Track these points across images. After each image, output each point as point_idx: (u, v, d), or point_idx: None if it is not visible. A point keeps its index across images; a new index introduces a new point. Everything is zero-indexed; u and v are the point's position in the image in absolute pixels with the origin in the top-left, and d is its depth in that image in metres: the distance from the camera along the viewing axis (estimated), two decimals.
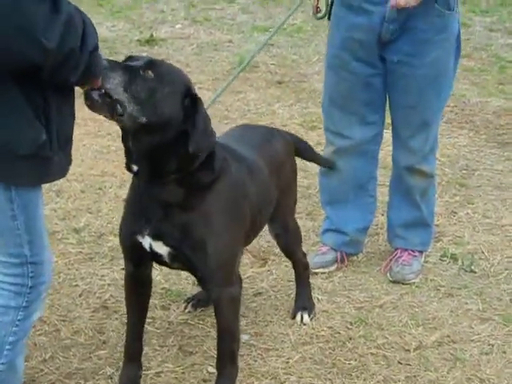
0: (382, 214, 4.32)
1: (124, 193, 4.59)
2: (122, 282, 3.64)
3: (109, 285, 3.73)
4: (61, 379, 3.07)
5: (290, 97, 6.46)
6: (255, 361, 3.19)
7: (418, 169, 3.80)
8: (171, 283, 3.74)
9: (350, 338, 3.40)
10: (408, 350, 3.34)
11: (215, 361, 2.98)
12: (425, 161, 3.80)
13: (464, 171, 5.23)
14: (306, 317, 3.52)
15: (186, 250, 2.76)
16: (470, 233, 4.38)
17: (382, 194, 4.36)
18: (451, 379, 3.17)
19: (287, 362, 3.23)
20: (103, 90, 2.44)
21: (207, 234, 2.75)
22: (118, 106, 2.49)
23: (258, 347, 3.20)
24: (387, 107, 3.82)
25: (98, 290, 3.69)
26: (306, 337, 3.41)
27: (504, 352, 3.35)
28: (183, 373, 3.10)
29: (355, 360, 3.27)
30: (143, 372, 3.12)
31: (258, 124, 3.61)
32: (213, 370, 3.15)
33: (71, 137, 2.41)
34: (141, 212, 2.76)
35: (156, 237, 2.76)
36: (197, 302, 3.53)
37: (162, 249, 2.79)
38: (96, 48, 2.26)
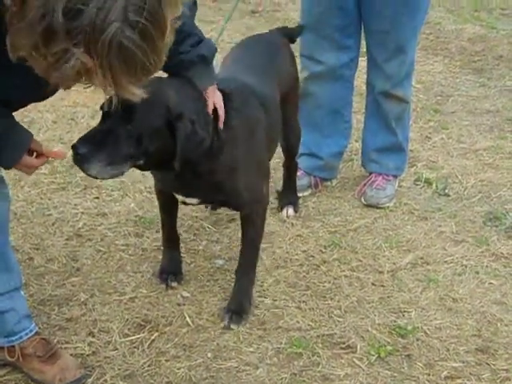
0: (357, 141, 4.32)
1: (96, 123, 4.53)
2: (96, 210, 3.70)
3: (82, 213, 3.70)
4: (34, 305, 3.06)
5: (265, 26, 6.34)
6: (230, 285, 3.18)
7: (393, 94, 3.77)
8: (145, 211, 3.73)
9: (324, 262, 3.42)
10: (382, 272, 3.36)
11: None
12: (400, 86, 3.77)
13: (439, 97, 5.22)
14: (291, 211, 3.75)
15: (218, 197, 2.93)
16: (444, 157, 4.38)
17: (358, 120, 4.35)
18: (424, 299, 3.19)
19: (261, 286, 3.24)
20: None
21: (234, 182, 2.84)
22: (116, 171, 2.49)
23: (232, 272, 3.19)
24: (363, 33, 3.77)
25: (71, 218, 3.66)
26: (280, 261, 3.42)
27: (477, 272, 3.38)
28: (157, 298, 3.10)
29: (329, 282, 3.28)
30: (118, 297, 3.13)
31: (259, 35, 3.51)
32: (187, 294, 3.17)
33: None
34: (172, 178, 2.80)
35: (188, 195, 2.91)
36: None
37: (193, 200, 2.95)
38: None
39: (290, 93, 3.40)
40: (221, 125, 2.70)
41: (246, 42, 3.51)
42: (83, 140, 2.43)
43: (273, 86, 3.19)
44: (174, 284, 3.20)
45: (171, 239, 3.26)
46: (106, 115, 2.47)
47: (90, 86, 1.78)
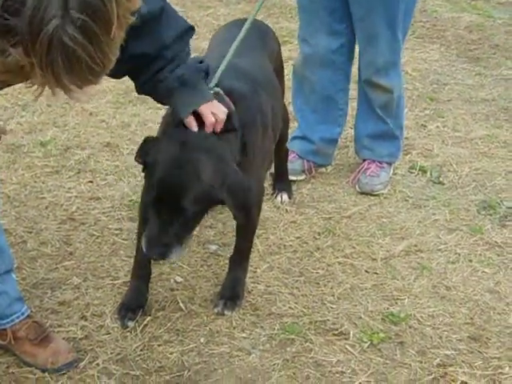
0: (352, 128, 4.29)
1: (91, 107, 4.55)
2: (89, 194, 3.70)
3: (76, 197, 3.69)
4: (27, 289, 3.06)
5: (261, 11, 6.27)
6: (223, 270, 3.18)
7: (375, 82, 3.74)
8: (139, 195, 3.68)
9: (318, 248, 3.41)
10: (375, 259, 3.36)
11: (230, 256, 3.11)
12: (384, 75, 3.72)
13: (435, 85, 5.21)
14: (285, 197, 3.74)
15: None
16: (439, 146, 4.38)
17: (353, 108, 4.33)
18: (418, 287, 3.20)
19: (255, 272, 3.24)
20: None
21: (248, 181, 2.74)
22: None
23: (225, 257, 3.19)
24: None
25: (65, 202, 3.65)
26: (273, 247, 3.42)
27: (470, 261, 3.38)
28: (151, 282, 3.08)
29: (322, 269, 3.28)
30: (111, 281, 3.13)
31: (243, 19, 3.46)
32: (180, 279, 3.17)
33: None
34: None
35: None
36: None
37: None
38: None
39: (277, 75, 3.35)
40: (219, 127, 2.59)
41: (229, 24, 3.48)
42: (152, 246, 2.55)
43: (269, 66, 3.19)
44: (131, 325, 2.90)
45: (143, 268, 2.99)
46: (155, 208, 2.53)
47: (31, 86, 1.70)
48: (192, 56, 2.62)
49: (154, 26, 2.38)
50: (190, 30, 2.53)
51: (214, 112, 2.55)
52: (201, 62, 2.57)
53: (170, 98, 2.55)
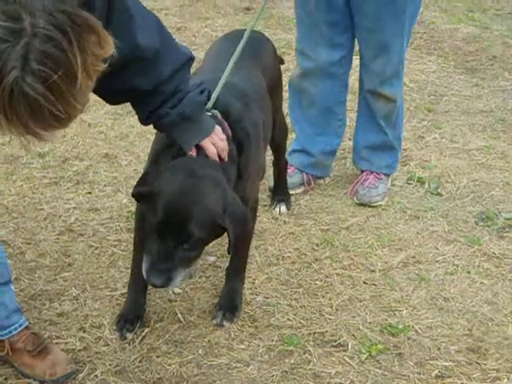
0: (350, 139, 4.31)
1: (90, 118, 4.55)
2: (88, 205, 3.70)
3: (74, 208, 3.70)
4: (26, 300, 3.05)
5: (259, 23, 6.35)
6: (221, 281, 3.18)
7: (380, 92, 3.76)
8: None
9: (316, 259, 3.42)
10: (373, 271, 3.36)
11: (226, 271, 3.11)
12: (388, 85, 3.75)
13: (432, 97, 5.22)
14: (283, 208, 3.75)
15: None
16: (436, 157, 4.39)
17: (351, 119, 4.34)
18: (416, 298, 3.20)
19: (253, 283, 3.24)
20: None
21: (244, 193, 2.76)
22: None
23: (224, 268, 3.19)
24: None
25: (64, 213, 3.66)
26: (272, 258, 3.42)
27: (468, 272, 3.38)
28: (149, 293, 3.08)
29: (321, 280, 3.28)
30: (109, 293, 3.13)
31: (241, 30, 3.45)
32: (178, 290, 3.17)
33: None
34: None
35: None
36: None
37: None
38: None
39: (273, 88, 3.36)
40: (224, 155, 2.63)
41: (228, 35, 3.47)
42: (155, 273, 2.53)
43: (260, 80, 3.17)
44: (129, 336, 2.91)
45: (140, 279, 2.83)
46: (158, 234, 2.51)
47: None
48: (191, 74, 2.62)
49: (151, 62, 2.35)
50: (190, 60, 2.49)
51: (214, 142, 2.57)
52: (200, 86, 2.55)
53: (173, 133, 2.56)
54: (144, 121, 2.57)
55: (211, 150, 2.57)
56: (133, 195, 2.62)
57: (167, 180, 2.52)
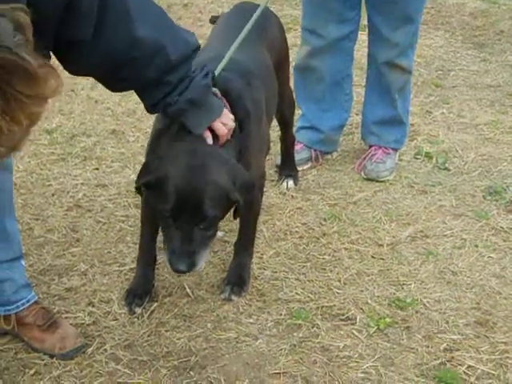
0: (357, 114, 4.31)
1: (97, 94, 4.55)
2: (95, 181, 3.71)
3: (82, 184, 3.70)
4: (35, 275, 3.06)
5: None
6: (229, 256, 3.19)
7: (397, 63, 3.74)
8: None
9: (324, 234, 3.42)
10: (381, 245, 3.36)
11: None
12: (404, 55, 3.74)
13: (440, 72, 5.20)
14: (291, 183, 3.76)
15: None
16: (444, 132, 4.37)
17: (357, 94, 4.34)
18: (424, 272, 3.20)
19: (261, 258, 3.24)
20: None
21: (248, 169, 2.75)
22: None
23: (232, 243, 3.19)
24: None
25: (71, 189, 3.66)
26: (280, 233, 3.42)
27: (476, 246, 3.38)
28: (157, 268, 3.09)
29: (329, 255, 3.29)
30: (118, 268, 3.14)
31: (245, 4, 3.42)
32: None
33: None
34: None
35: None
36: None
37: None
38: None
39: (280, 62, 3.36)
40: (229, 135, 2.64)
41: (235, 9, 3.44)
42: (179, 259, 2.52)
43: (265, 56, 3.16)
44: (138, 311, 2.92)
45: (149, 254, 3.02)
46: (173, 219, 2.51)
47: None
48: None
49: (154, 54, 2.31)
50: (195, 51, 2.44)
51: (224, 122, 2.57)
52: (203, 69, 2.51)
53: (182, 117, 2.54)
54: (151, 109, 2.54)
55: (222, 131, 2.57)
56: (138, 187, 2.60)
57: (173, 164, 2.50)
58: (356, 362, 2.72)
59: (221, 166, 2.53)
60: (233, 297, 2.99)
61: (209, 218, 2.49)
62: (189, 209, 2.47)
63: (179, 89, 2.43)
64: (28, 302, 2.74)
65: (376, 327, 2.88)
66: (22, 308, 2.74)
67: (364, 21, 3.83)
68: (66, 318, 2.86)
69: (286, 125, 3.68)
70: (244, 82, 2.80)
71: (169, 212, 2.49)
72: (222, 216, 2.59)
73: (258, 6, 2.95)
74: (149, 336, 2.81)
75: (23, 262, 2.77)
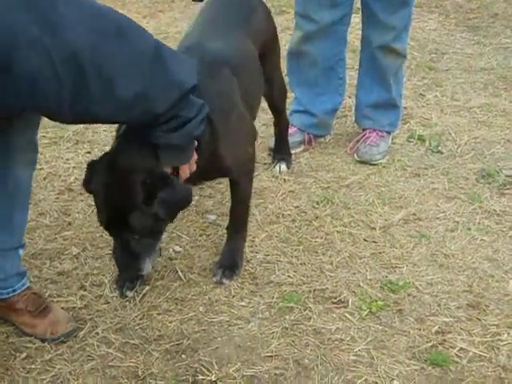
0: (350, 97, 4.29)
1: None
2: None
3: (74, 168, 3.69)
4: (26, 259, 3.05)
5: None
6: (221, 240, 3.18)
7: (391, 47, 3.73)
8: None
9: (317, 217, 3.41)
10: (374, 228, 3.36)
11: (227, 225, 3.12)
12: (398, 39, 3.73)
13: (433, 55, 5.19)
14: (283, 167, 3.75)
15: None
16: (437, 115, 4.37)
17: (351, 77, 4.32)
18: (416, 255, 3.20)
19: (253, 241, 3.24)
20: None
21: (225, 157, 2.79)
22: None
23: (224, 227, 3.18)
24: None
25: (63, 172, 3.65)
26: (272, 216, 3.41)
27: (469, 229, 3.38)
28: None
29: (321, 238, 3.28)
30: (110, 251, 3.12)
31: None
32: (179, 248, 3.17)
33: None
34: None
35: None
36: None
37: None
38: None
39: (268, 47, 3.32)
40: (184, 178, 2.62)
41: None
42: (122, 268, 2.70)
43: (246, 43, 3.10)
44: (130, 294, 2.92)
45: None
46: (109, 231, 2.62)
47: None
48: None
49: (140, 105, 2.18)
50: (188, 92, 2.30)
51: (191, 167, 2.58)
52: (202, 110, 2.39)
53: (157, 148, 2.43)
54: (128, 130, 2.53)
55: (185, 174, 2.58)
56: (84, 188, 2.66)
57: (96, 179, 2.53)
58: (348, 344, 2.72)
59: (137, 178, 2.47)
60: (224, 280, 2.99)
61: (137, 229, 2.52)
62: (116, 224, 2.53)
63: (166, 126, 2.31)
64: (14, 291, 2.73)
65: (368, 310, 2.88)
66: (6, 296, 2.72)
67: (357, 4, 3.80)
68: (57, 301, 2.86)
69: (277, 110, 3.66)
70: (206, 76, 2.62)
71: (103, 224, 2.57)
72: (159, 225, 2.59)
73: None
74: (141, 319, 2.81)
75: (21, 252, 2.75)
